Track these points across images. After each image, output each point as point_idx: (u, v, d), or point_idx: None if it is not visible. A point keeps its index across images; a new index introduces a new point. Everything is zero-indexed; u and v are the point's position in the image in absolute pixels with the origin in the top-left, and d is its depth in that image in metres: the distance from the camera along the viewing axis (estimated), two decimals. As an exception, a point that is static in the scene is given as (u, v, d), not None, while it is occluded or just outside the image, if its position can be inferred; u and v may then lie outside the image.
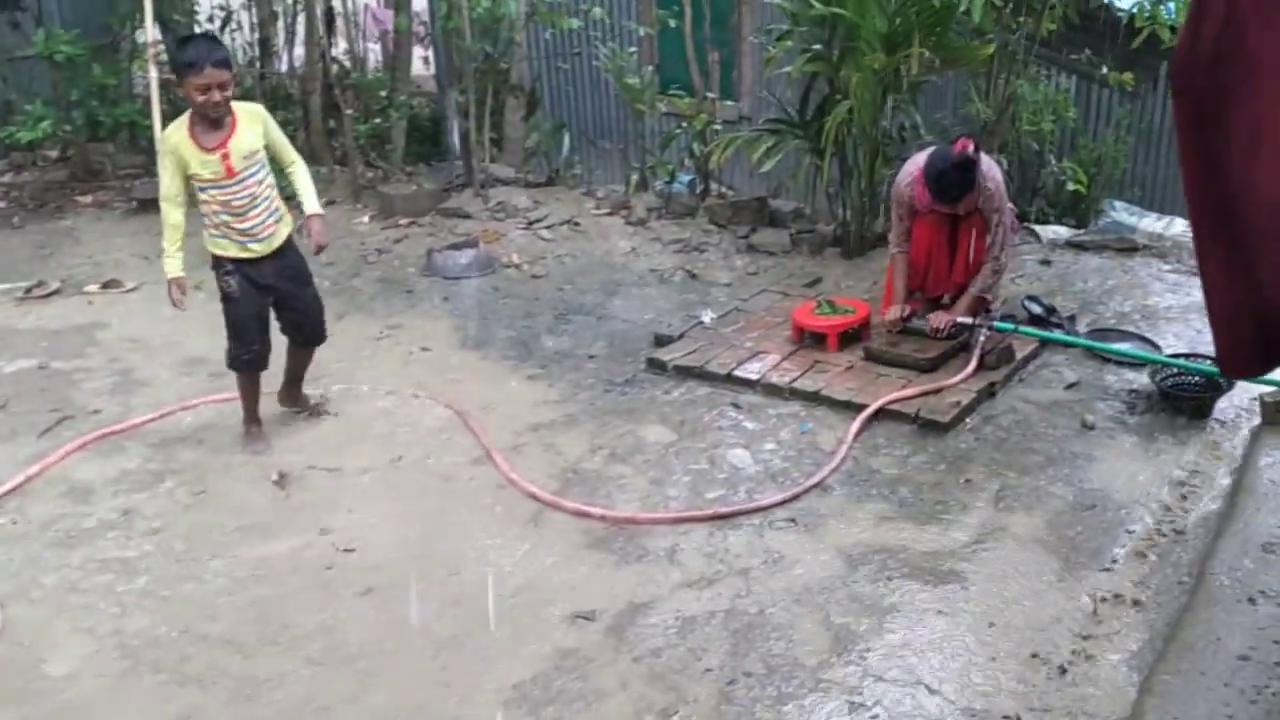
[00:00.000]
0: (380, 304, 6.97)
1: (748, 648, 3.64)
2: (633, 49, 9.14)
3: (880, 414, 5.11)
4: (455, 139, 9.16)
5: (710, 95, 8.91)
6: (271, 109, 9.82)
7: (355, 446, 5.13)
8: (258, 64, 10.71)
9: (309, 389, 5.48)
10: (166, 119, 8.25)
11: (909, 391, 5.23)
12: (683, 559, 4.17)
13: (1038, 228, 7.39)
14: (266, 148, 4.81)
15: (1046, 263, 6.88)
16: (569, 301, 6.97)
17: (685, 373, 5.73)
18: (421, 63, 12.04)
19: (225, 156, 4.64)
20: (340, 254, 7.82)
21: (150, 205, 8.60)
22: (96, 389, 5.79)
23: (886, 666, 3.50)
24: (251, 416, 5.17)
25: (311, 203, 4.96)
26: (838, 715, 3.31)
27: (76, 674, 3.64)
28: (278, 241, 4.93)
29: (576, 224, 8.34)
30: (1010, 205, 5.65)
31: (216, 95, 4.50)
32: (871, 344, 5.65)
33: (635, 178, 9.06)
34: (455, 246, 7.66)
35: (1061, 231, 7.34)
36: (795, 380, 5.45)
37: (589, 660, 3.63)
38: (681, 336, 6.15)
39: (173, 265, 4.87)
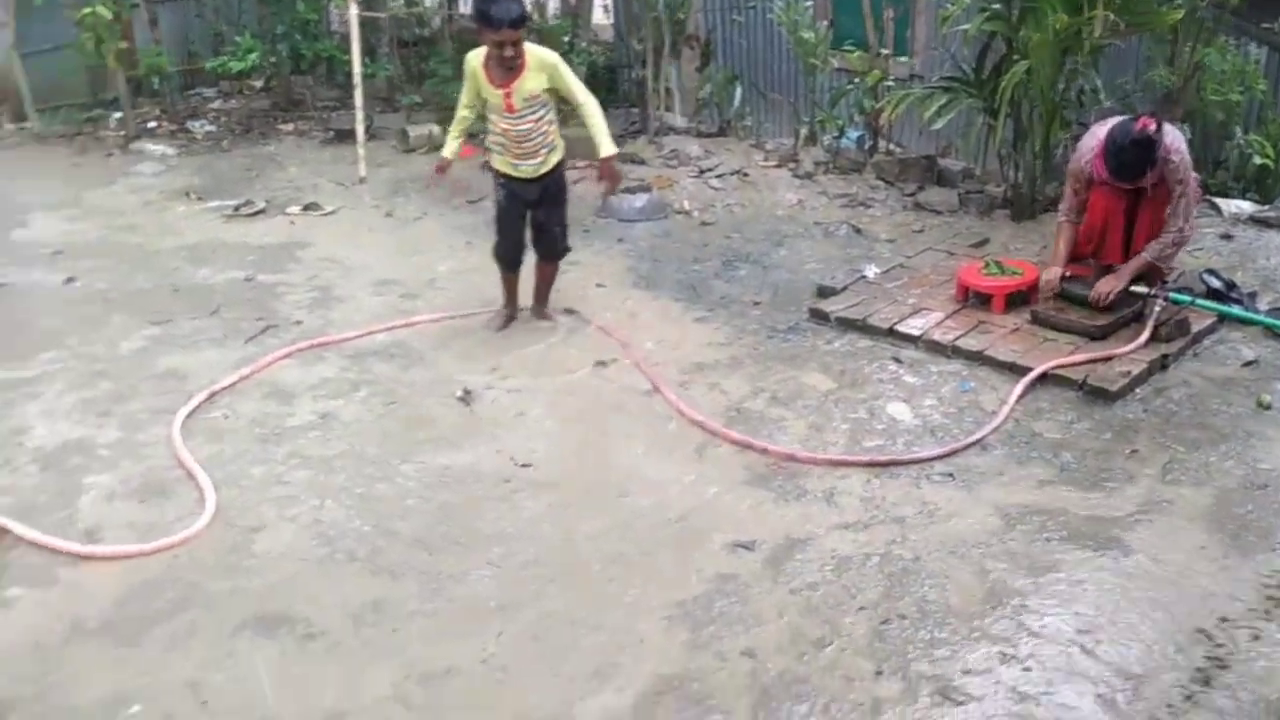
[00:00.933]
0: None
1: (901, 591, 3.69)
2: (808, 3, 9.04)
3: (1045, 378, 5.04)
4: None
5: (884, 51, 8.77)
6: (457, 51, 10.17)
7: (536, 371, 5.33)
8: (446, 5, 10.99)
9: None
10: (363, 55, 8.62)
11: (1077, 357, 5.13)
12: (840, 501, 4.23)
13: (1220, 201, 7.08)
14: (554, 90, 5.24)
15: (1228, 237, 6.61)
16: (736, 249, 7.03)
17: (847, 324, 5.75)
18: (601, 11, 12.18)
19: (508, 95, 5.16)
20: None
21: (345, 135, 9.00)
22: (297, 302, 6.13)
23: (1041, 623, 3.51)
24: (507, 302, 5.80)
25: (604, 144, 5.29)
26: (989, 663, 3.35)
27: (281, 555, 3.93)
28: (545, 168, 5.42)
29: (745, 174, 8.37)
30: (1194, 175, 5.45)
31: (509, 50, 5.01)
32: (1039, 307, 5.56)
33: (804, 131, 9.00)
34: (630, 191, 7.78)
35: (1245, 206, 7.02)
36: (958, 339, 5.41)
37: (747, 587, 3.74)
38: (844, 289, 6.15)
39: (447, 149, 5.61)
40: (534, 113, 5.24)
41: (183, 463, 4.44)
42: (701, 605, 3.64)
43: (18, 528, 3.98)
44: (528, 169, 5.40)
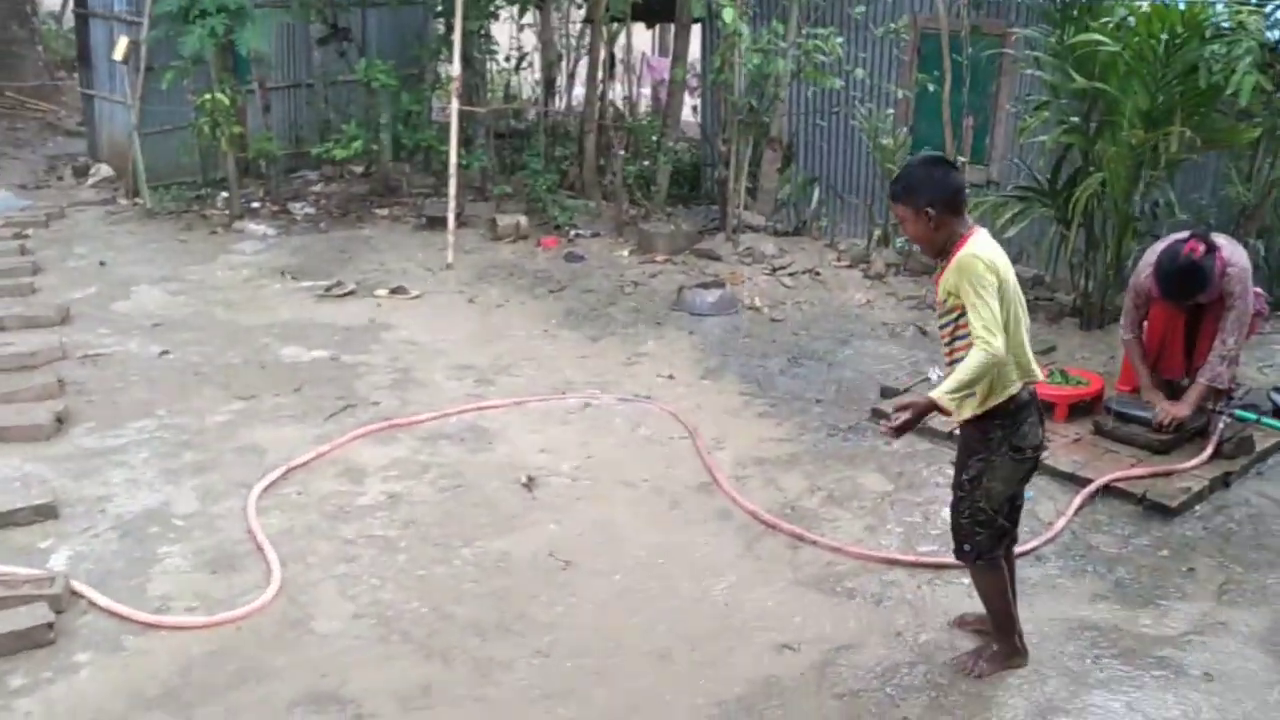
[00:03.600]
0: (632, 332, 7.20)
1: (948, 703, 3.59)
2: (890, 110, 9.10)
3: (1105, 491, 4.91)
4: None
5: (961, 159, 8.76)
6: (550, 145, 10.42)
7: (599, 457, 5.35)
8: (542, 101, 11.28)
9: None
10: (460, 145, 8.87)
11: (1137, 471, 5.00)
12: (889, 606, 4.14)
13: (1292, 318, 6.91)
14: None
15: (1298, 354, 6.43)
16: (803, 346, 7.01)
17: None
18: (690, 110, 12.40)
19: (935, 284, 3.67)
20: (601, 283, 8.14)
21: (437, 223, 9.23)
22: (377, 383, 6.24)
23: (1087, 743, 3.38)
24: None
25: (940, 386, 3.50)
26: (1031, 782, 3.23)
27: (339, 634, 3.95)
28: (961, 412, 3.66)
29: (817, 273, 8.37)
30: (1258, 291, 5.31)
31: (907, 229, 3.62)
32: (1102, 419, 5.43)
33: (878, 233, 9.00)
34: (704, 285, 7.84)
35: (1317, 324, 6.84)
36: (1019, 446, 5.30)
37: (790, 690, 3.67)
38: (907, 390, 6.07)
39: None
40: (947, 321, 3.61)
41: (254, 537, 4.52)
42: (744, 707, 3.58)
43: (94, 594, 4.07)
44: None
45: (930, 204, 3.45)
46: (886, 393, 6.09)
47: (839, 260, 8.65)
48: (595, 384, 6.24)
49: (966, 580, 4.27)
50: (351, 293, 7.82)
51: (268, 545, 4.43)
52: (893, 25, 9.05)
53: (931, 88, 8.85)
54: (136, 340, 6.82)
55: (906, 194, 3.52)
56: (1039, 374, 3.65)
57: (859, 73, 9.21)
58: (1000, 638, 3.79)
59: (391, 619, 4.03)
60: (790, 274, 8.36)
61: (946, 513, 4.75)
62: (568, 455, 5.36)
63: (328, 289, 7.87)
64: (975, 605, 4.13)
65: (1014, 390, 3.54)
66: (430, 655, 3.83)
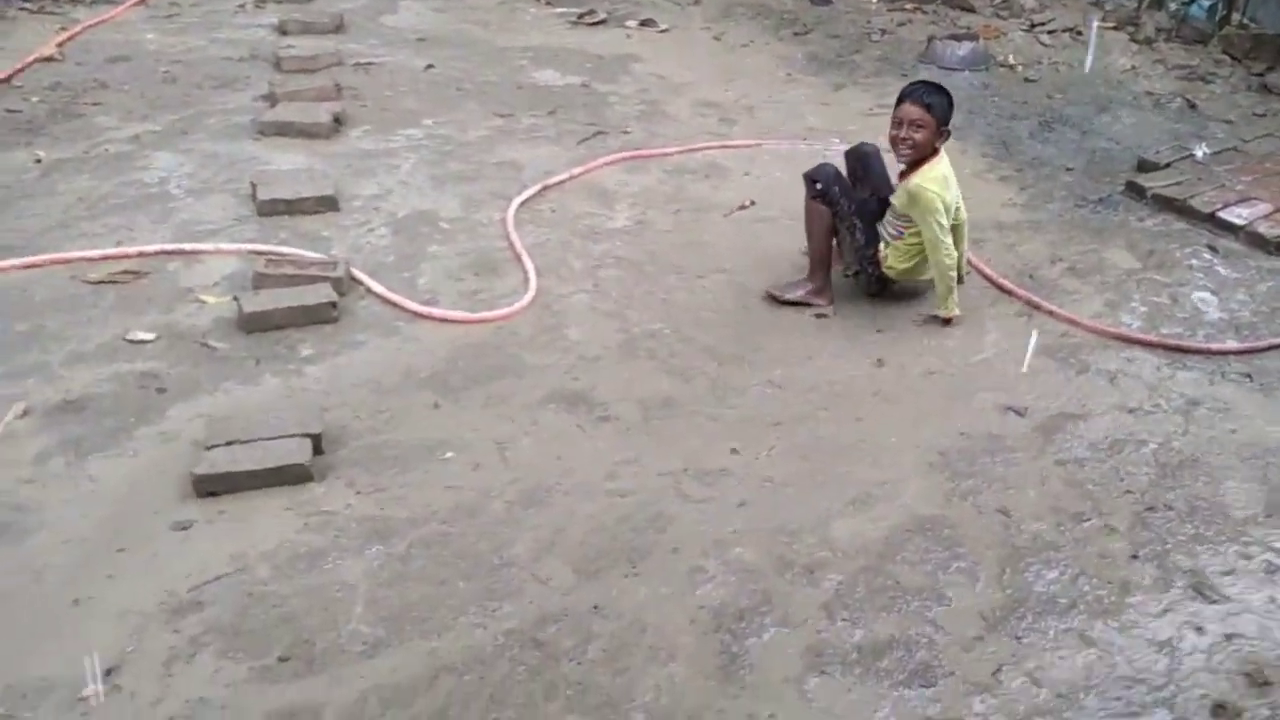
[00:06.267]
0: (875, 81, 6.83)
1: (1174, 483, 3.46)
2: None
3: (1375, 291, 4.47)
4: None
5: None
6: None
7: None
8: None
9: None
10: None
11: None
12: (1124, 384, 3.96)
13: None
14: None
15: None
16: (1056, 110, 6.49)
17: (1164, 203, 5.25)
18: None
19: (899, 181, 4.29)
20: (847, 28, 7.70)
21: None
22: (626, 113, 6.17)
23: (1320, 540, 3.22)
24: None
25: (944, 301, 4.26)
26: (1253, 571, 3.11)
27: (589, 342, 4.09)
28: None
29: (1079, 33, 7.63)
30: None
31: (917, 133, 4.08)
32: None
33: (1152, -7, 8.08)
34: (955, 37, 7.28)
35: None
36: (1286, 236, 4.85)
37: (1013, 450, 3.60)
38: (1168, 165, 5.59)
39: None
40: (899, 218, 4.25)
41: (513, 245, 4.66)
42: (965, 458, 3.55)
43: (371, 282, 4.32)
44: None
45: (946, 125, 4.11)
46: (1144, 166, 5.62)
47: (1104, 20, 7.82)
48: (836, 132, 5.99)
49: (1211, 365, 4.06)
50: (603, 22, 7.65)
51: (525, 255, 4.56)
52: None
53: None
54: (404, 53, 6.92)
55: (941, 111, 4.07)
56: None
57: None
58: (812, 274, 4.36)
59: (638, 336, 4.13)
60: (1049, 31, 7.65)
61: (1196, 296, 4.50)
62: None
63: (580, 16, 7.72)
64: (1217, 388, 3.93)
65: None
66: (671, 372, 3.93)
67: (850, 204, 4.26)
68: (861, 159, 4.49)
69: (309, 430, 3.36)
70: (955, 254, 4.22)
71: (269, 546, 3.06)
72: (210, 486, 3.21)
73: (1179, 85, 6.84)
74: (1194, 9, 7.79)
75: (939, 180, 4.14)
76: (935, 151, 4.16)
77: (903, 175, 4.23)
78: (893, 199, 4.29)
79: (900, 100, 4.13)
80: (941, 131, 4.12)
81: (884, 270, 4.34)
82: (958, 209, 4.30)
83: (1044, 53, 7.36)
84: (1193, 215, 5.12)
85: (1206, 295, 4.52)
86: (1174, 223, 5.11)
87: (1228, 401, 3.86)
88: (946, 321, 4.27)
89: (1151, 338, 4.20)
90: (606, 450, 3.52)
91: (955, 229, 4.28)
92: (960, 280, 4.37)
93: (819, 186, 4.25)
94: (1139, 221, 5.14)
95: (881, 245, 4.31)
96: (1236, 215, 5.02)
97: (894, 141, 4.15)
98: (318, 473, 3.31)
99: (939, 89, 4.15)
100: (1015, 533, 3.23)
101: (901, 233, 4.25)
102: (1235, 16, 7.58)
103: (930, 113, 4.06)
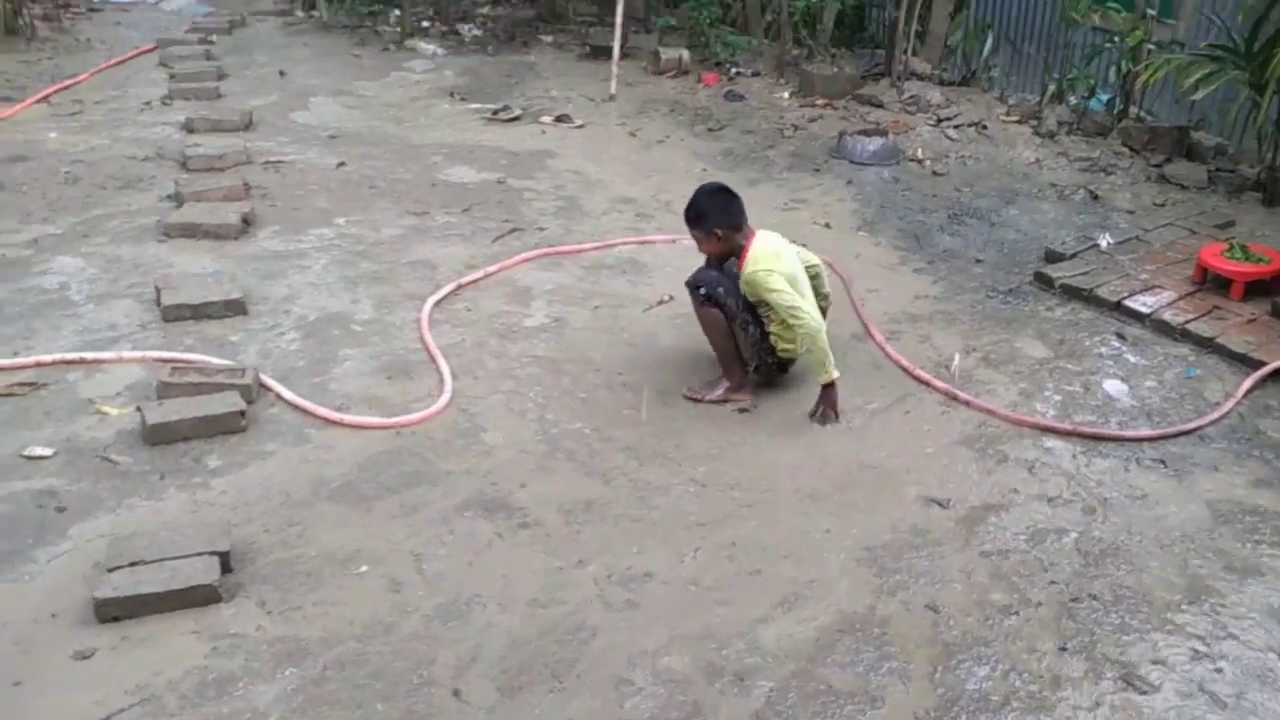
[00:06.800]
0: (789, 176, 7.01)
1: (1097, 572, 3.51)
2: (1076, -43, 8.40)
3: (1278, 375, 4.64)
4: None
5: (1150, 12, 8.09)
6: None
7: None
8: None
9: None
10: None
11: (1315, 358, 4.71)
12: (1043, 473, 4.04)
13: None
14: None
15: None
16: (964, 203, 6.72)
17: (1072, 293, 5.43)
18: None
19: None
20: (760, 124, 7.90)
21: (600, 52, 9.03)
22: (543, 209, 6.23)
23: (1241, 626, 3.28)
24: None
25: (827, 369, 4.25)
26: (1179, 657, 3.16)
27: (506, 445, 4.05)
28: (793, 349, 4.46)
29: (984, 127, 7.94)
30: None
31: (702, 247, 4.36)
32: (1281, 301, 5.10)
33: (1052, 88, 8.44)
34: (865, 133, 7.53)
35: None
36: (1190, 322, 5.03)
37: (938, 544, 3.63)
38: (1074, 256, 5.80)
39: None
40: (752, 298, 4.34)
41: (427, 347, 4.62)
42: (890, 553, 3.56)
43: (281, 389, 4.24)
44: None
45: (717, 226, 4.25)
46: (1051, 256, 5.82)
47: (1008, 115, 8.17)
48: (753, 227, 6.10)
49: (1125, 453, 4.15)
50: (517, 118, 7.76)
51: (440, 356, 4.53)
52: None
53: (1124, -66, 8.12)
54: (315, 150, 6.93)
55: (699, 220, 4.26)
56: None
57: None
58: (727, 372, 4.43)
59: (556, 437, 4.11)
60: (956, 126, 7.95)
61: (1108, 384, 4.63)
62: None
63: (495, 113, 7.83)
64: (1133, 475, 4.02)
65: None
66: (592, 474, 3.91)
67: (736, 303, 4.31)
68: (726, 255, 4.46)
69: (216, 548, 3.25)
70: (817, 318, 4.21)
71: (176, 674, 2.93)
72: (113, 611, 3.08)
73: (1082, 177, 7.14)
74: (1093, 103, 8.18)
75: (765, 258, 4.23)
76: (744, 247, 4.27)
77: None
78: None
79: None
80: (719, 230, 4.24)
81: (780, 355, 4.42)
82: (810, 264, 4.47)
83: (951, 146, 7.64)
84: (1100, 304, 5.29)
85: (1117, 383, 4.66)
86: (1082, 311, 5.28)
87: (1143, 488, 3.95)
88: (829, 385, 4.26)
89: (1066, 426, 4.30)
90: (527, 558, 3.46)
91: (815, 279, 4.47)
92: (824, 314, 4.43)
93: (703, 292, 4.31)
94: (1048, 311, 5.30)
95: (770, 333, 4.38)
96: (1142, 303, 5.21)
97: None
98: (226, 592, 3.20)
99: (698, 200, 4.30)
100: (945, 629, 3.24)
101: (770, 316, 4.33)
102: (1133, 110, 7.98)
103: (695, 227, 4.28)
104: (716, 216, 4.26)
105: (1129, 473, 4.04)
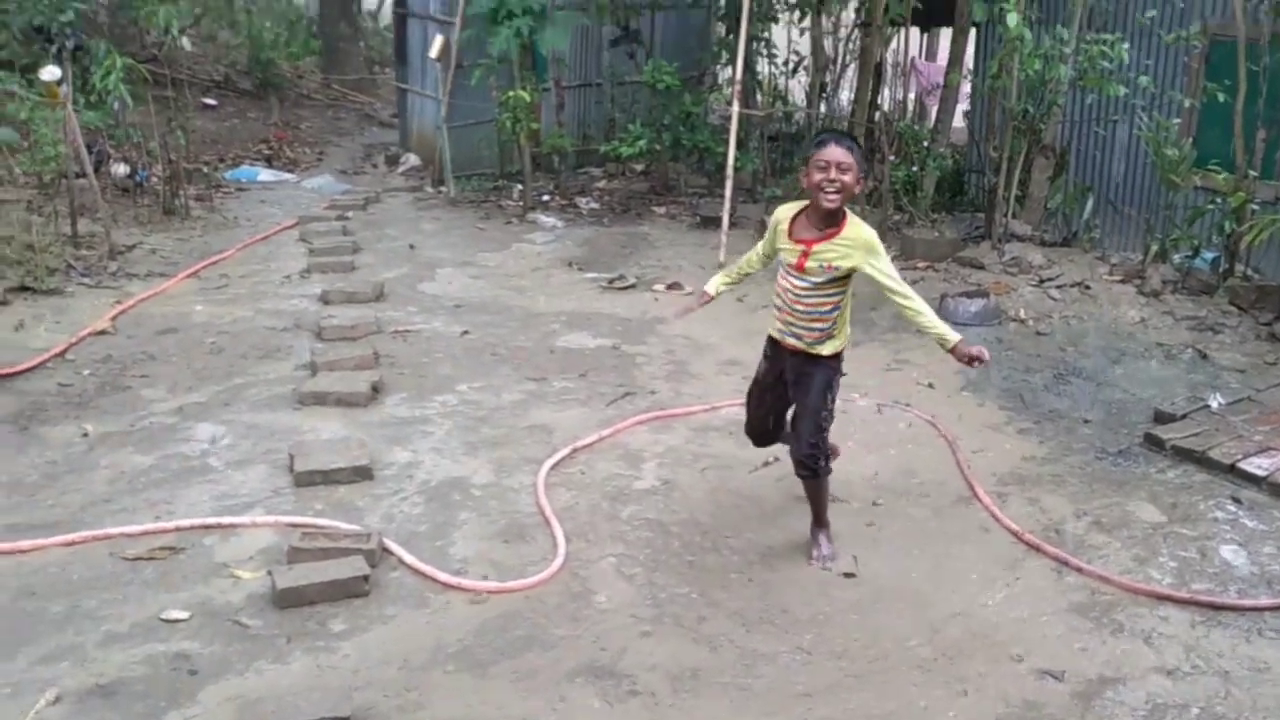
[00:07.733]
0: (892, 337, 7.07)
1: (1221, 751, 3.36)
2: (1175, 120, 8.46)
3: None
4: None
5: (1252, 173, 8.05)
6: (819, 147, 10.29)
7: (855, 461, 5.27)
8: (813, 104, 11.18)
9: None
10: (735, 147, 8.94)
11: None
12: (1160, 644, 3.90)
13: None
14: (866, 278, 4.20)
15: None
16: (1069, 363, 6.67)
17: (1184, 455, 5.30)
18: (960, 114, 11.96)
19: (805, 254, 4.16)
20: (862, 287, 7.98)
21: (710, 222, 9.35)
22: (654, 373, 6.40)
23: (1379, 814, 3.08)
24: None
25: (948, 333, 4.24)
26: None
27: (616, 610, 4.10)
28: (815, 350, 4.32)
29: (1087, 287, 7.92)
30: None
31: (833, 174, 4.00)
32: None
33: (1155, 248, 8.40)
34: (967, 294, 7.58)
35: None
36: (1309, 486, 4.86)
37: (1051, 718, 3.52)
38: (1184, 417, 5.68)
39: (712, 283, 4.66)
40: (824, 289, 4.20)
41: (543, 511, 4.75)
42: (1003, 728, 3.47)
43: (403, 553, 4.39)
44: (794, 341, 4.33)
45: (864, 174, 4.13)
46: (1161, 417, 5.71)
47: (1111, 274, 8.15)
48: (855, 388, 6.15)
49: (1245, 624, 3.99)
50: (631, 286, 8.05)
51: (554, 520, 4.64)
52: (1183, 32, 8.40)
53: (1222, 97, 8.16)
54: (441, 319, 7.28)
55: (860, 155, 4.09)
56: None
57: (1144, 79, 8.59)
58: (823, 527, 4.52)
59: (664, 601, 4.14)
60: (1058, 286, 7.95)
61: (1225, 550, 4.48)
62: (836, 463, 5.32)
63: (610, 281, 8.13)
64: (1255, 647, 3.85)
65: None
66: (699, 640, 3.92)
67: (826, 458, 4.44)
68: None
69: (338, 713, 3.35)
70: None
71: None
72: (239, 773, 3.18)
73: (1189, 336, 7.03)
74: (1198, 261, 8.10)
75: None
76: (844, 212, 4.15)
77: (812, 240, 4.13)
78: (815, 272, 4.15)
79: (822, 144, 4.09)
80: (860, 178, 4.06)
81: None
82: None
83: (1054, 306, 7.62)
84: (1213, 466, 5.16)
85: (1235, 548, 4.51)
86: (1195, 474, 5.14)
87: (1267, 661, 3.78)
88: (955, 348, 4.18)
89: (1184, 594, 4.16)
90: (635, 727, 3.47)
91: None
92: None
93: (824, 464, 4.40)
94: (1160, 473, 5.18)
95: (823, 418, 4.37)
96: (1257, 466, 5.06)
97: (818, 186, 4.04)
98: (346, 757, 3.27)
99: (855, 140, 4.21)
100: (1059, 811, 3.12)
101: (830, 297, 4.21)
102: (1239, 268, 7.87)
103: (853, 155, 4.03)
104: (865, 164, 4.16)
105: (1251, 644, 3.88)
